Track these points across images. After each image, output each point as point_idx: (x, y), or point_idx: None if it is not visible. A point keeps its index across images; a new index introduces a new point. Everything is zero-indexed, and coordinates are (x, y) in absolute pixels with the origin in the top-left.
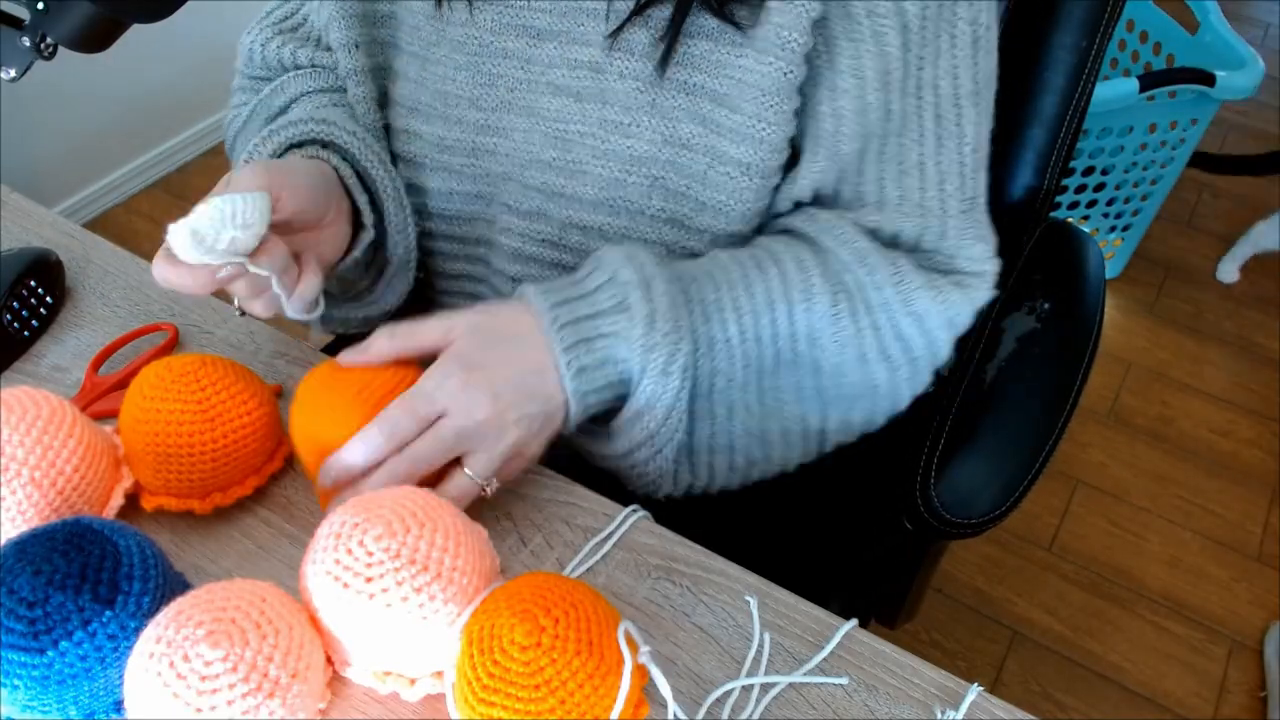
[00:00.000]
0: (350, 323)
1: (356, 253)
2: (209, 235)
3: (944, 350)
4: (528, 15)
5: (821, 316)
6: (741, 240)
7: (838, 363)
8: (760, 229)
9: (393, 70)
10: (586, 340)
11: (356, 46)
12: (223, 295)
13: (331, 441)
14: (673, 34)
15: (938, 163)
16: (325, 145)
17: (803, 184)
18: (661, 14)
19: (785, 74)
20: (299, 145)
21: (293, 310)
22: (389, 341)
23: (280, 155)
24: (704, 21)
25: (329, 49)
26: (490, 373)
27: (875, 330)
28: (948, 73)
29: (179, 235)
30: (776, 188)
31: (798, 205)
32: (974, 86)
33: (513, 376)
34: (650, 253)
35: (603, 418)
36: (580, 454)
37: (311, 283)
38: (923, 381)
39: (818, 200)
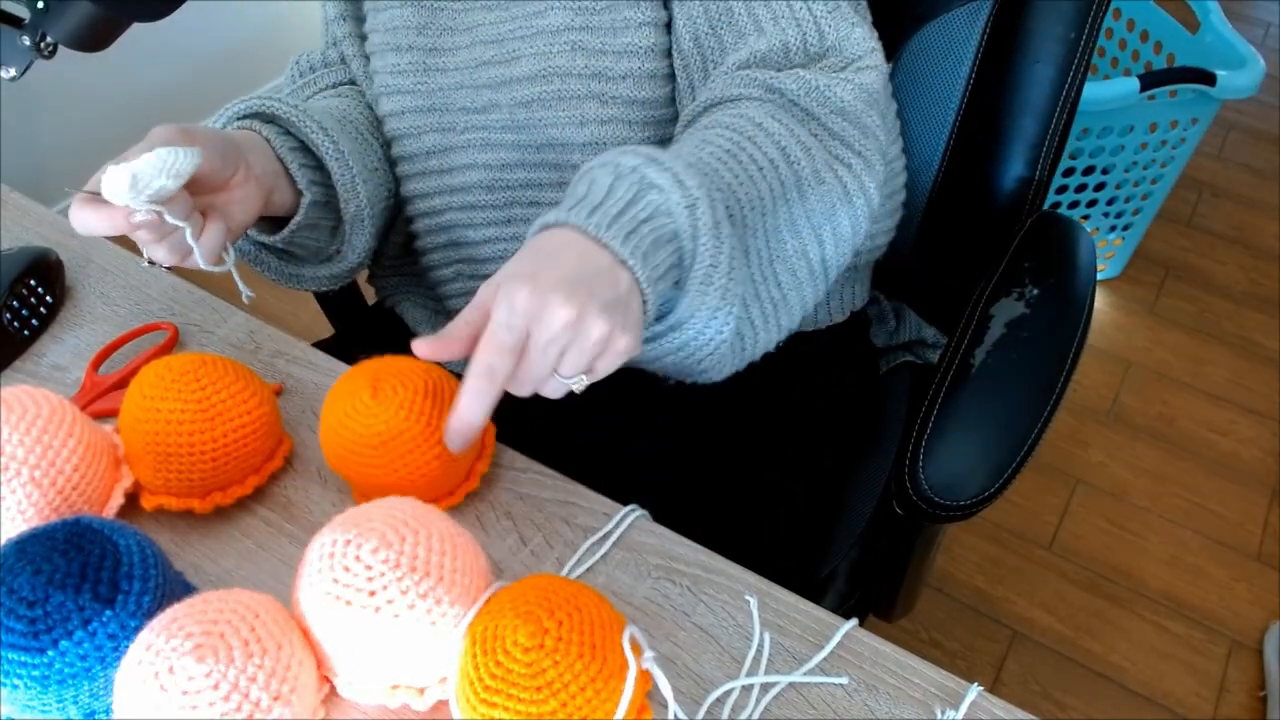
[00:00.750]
0: (320, 281)
1: (299, 215)
2: (143, 180)
3: (879, 132)
4: None
5: (779, 134)
6: (658, 80)
7: (809, 174)
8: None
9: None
10: (633, 231)
11: (343, 19)
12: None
13: (379, 433)
14: None
15: None
16: (269, 120)
17: (679, 28)
18: None
19: None
20: (244, 118)
21: (202, 259)
22: (464, 328)
23: (225, 128)
24: None
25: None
26: (553, 273)
27: (816, 137)
28: None
29: (119, 176)
30: (667, 27)
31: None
32: None
33: (577, 270)
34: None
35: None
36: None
37: (214, 234)
38: (878, 172)
39: (707, 58)
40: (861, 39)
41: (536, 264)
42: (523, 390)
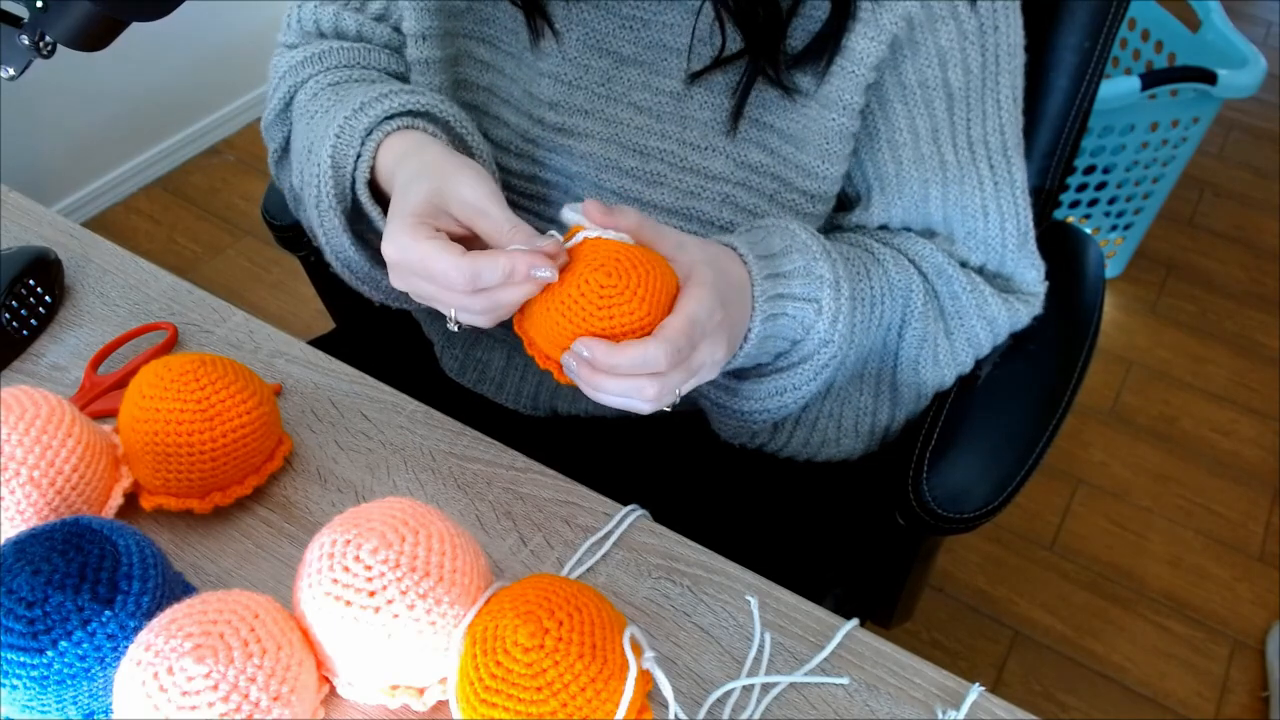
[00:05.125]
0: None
1: None
2: None
3: (994, 349)
4: (612, 41)
5: (914, 312)
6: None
7: (913, 358)
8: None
9: (479, 60)
10: (774, 316)
11: (424, 39)
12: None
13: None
14: (740, 99)
15: (998, 206)
16: (420, 115)
17: (875, 217)
18: (736, 66)
19: (842, 125)
20: (393, 116)
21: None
22: (638, 222)
23: (379, 124)
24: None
25: (378, 19)
26: (729, 319)
27: (949, 336)
28: (995, 130)
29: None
30: (835, 211)
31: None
32: (1018, 139)
33: (735, 328)
34: (823, 240)
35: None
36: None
37: None
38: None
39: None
40: (1035, 282)
41: (726, 292)
42: (658, 394)
